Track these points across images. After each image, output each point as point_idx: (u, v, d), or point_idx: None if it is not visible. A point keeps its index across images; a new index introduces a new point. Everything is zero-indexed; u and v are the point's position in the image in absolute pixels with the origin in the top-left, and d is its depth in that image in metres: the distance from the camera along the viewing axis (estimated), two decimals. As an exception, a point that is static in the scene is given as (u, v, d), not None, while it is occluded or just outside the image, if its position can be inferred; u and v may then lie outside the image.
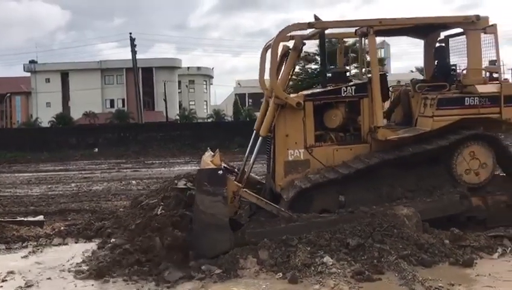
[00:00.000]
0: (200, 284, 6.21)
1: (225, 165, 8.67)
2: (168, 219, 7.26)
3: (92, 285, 6.35)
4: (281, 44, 8.10)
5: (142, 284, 6.27)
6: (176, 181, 8.63)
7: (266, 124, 7.86)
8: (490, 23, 8.03)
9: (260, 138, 7.90)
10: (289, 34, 8.05)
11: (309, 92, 8.53)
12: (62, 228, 9.18)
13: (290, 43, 8.17)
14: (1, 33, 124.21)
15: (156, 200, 8.21)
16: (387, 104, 9.21)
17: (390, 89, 9.34)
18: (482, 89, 7.94)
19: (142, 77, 60.65)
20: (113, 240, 7.81)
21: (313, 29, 8.07)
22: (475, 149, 7.84)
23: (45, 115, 57.24)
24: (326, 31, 8.50)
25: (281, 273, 6.33)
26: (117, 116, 51.58)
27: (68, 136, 35.41)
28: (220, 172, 7.27)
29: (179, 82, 69.12)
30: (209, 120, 49.53)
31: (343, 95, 8.10)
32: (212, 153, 8.82)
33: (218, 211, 7.06)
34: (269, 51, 8.09)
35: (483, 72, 8.22)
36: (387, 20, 7.98)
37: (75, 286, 6.35)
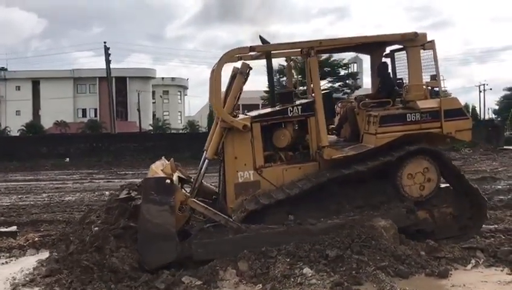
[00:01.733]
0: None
1: (181, 175, 8.72)
2: (107, 233, 7.11)
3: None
4: (230, 65, 8.17)
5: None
6: (117, 192, 8.53)
7: (213, 147, 7.93)
8: (428, 40, 8.21)
9: (206, 160, 7.97)
10: (237, 56, 8.18)
11: (256, 113, 8.57)
12: (36, 239, 9.03)
13: (239, 64, 8.18)
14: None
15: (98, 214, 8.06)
16: (337, 120, 9.41)
17: (339, 105, 9.53)
18: (422, 104, 8.09)
19: (116, 86, 60.32)
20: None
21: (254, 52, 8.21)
22: (419, 164, 7.96)
23: (14, 124, 56.12)
24: (274, 51, 8.51)
25: (260, 285, 6.38)
26: (89, 126, 50.96)
27: (38, 145, 34.72)
28: (168, 181, 7.23)
29: (153, 92, 68.91)
30: (183, 131, 49.35)
31: (290, 115, 8.17)
32: (166, 162, 8.71)
33: (165, 220, 7.04)
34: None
35: (424, 87, 8.37)
36: (327, 40, 8.20)
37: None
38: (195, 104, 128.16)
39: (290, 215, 7.59)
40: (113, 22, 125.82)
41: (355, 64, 45.68)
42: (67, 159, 31.73)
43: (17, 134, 49.53)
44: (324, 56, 34.47)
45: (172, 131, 50.81)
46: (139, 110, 53.15)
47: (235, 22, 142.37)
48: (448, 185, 8.49)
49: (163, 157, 9.16)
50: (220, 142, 7.90)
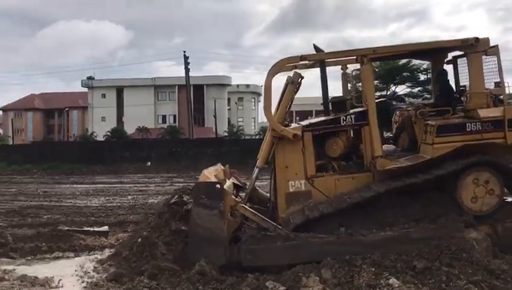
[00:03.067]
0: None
1: (236, 182, 8.86)
2: (153, 239, 7.40)
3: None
4: (284, 75, 8.11)
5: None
6: (170, 197, 8.70)
7: (263, 156, 7.90)
8: (491, 45, 7.77)
9: (257, 169, 7.96)
10: (290, 65, 8.06)
11: (307, 122, 8.43)
12: (125, 238, 9.46)
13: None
14: (66, 51, 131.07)
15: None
16: (395, 128, 9.07)
17: (397, 113, 9.17)
18: (484, 113, 7.65)
19: (194, 93, 62.26)
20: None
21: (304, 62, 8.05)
22: (479, 176, 7.52)
23: (100, 129, 59.62)
24: (328, 59, 8.33)
25: None
26: (169, 131, 53.11)
27: (122, 150, 36.79)
28: (218, 186, 7.34)
29: (229, 99, 70.43)
30: (256, 137, 50.15)
31: (343, 124, 7.99)
32: (221, 168, 8.81)
33: (214, 225, 7.13)
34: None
35: (487, 95, 7.89)
36: (381, 48, 7.89)
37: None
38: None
39: (341, 227, 7.40)
40: (192, 32, 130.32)
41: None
42: (149, 163, 33.41)
43: (103, 139, 52.68)
44: (403, 61, 33.86)
45: (246, 137, 51.71)
46: (215, 116, 54.64)
47: (310, 29, 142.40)
48: None
49: (219, 164, 9.20)
50: (270, 151, 7.89)
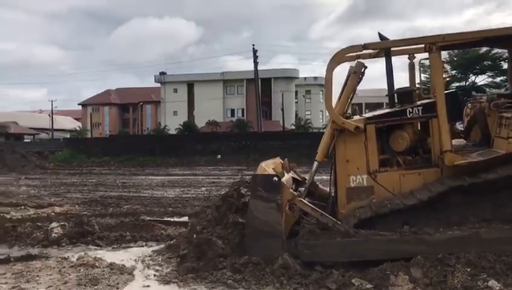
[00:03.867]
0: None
1: (296, 176, 8.69)
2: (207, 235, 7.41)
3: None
4: (348, 64, 7.76)
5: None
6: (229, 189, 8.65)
7: (323, 150, 7.64)
8: None
9: (316, 163, 7.71)
10: (353, 54, 7.72)
11: (371, 114, 8.04)
12: (184, 231, 9.59)
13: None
14: (140, 48, 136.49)
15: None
16: (466, 121, 8.51)
17: (468, 105, 8.65)
18: None
19: (261, 87, 62.85)
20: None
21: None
22: None
23: (172, 123, 61.65)
24: (394, 48, 7.86)
25: None
26: (237, 125, 54.02)
27: (193, 143, 37.96)
28: (275, 179, 7.20)
29: (296, 92, 70.45)
30: (325, 130, 49.89)
31: (409, 117, 7.56)
32: (280, 161, 8.67)
33: (272, 218, 7.01)
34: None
35: None
36: (451, 35, 7.33)
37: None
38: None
39: (406, 225, 7.02)
40: (260, 26, 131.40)
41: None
42: (219, 156, 34.28)
43: (175, 132, 54.45)
44: (484, 49, 32.08)
45: (314, 130, 51.61)
46: (282, 109, 54.86)
47: (381, 18, 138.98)
48: None
49: (278, 157, 9.03)
50: (330, 144, 7.59)
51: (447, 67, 36.85)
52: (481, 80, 36.90)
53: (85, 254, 7.97)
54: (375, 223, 7.12)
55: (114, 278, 6.81)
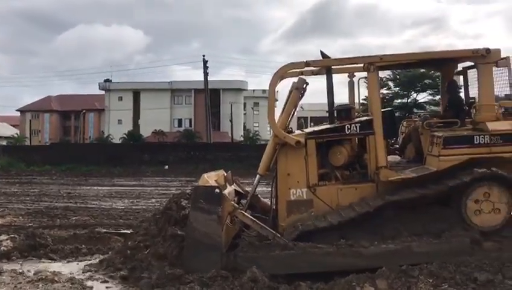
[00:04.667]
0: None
1: (238, 189, 8.73)
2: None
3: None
4: (291, 80, 7.95)
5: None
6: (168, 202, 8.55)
7: (265, 163, 7.76)
8: (503, 56, 7.54)
9: (258, 176, 7.83)
10: (296, 70, 7.95)
11: (311, 129, 8.32)
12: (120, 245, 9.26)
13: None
14: (84, 54, 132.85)
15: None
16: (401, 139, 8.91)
17: (403, 124, 9.07)
18: (493, 126, 7.41)
19: (210, 97, 62.56)
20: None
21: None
22: (487, 191, 7.29)
23: (116, 132, 60.00)
24: (335, 66, 8.14)
25: None
26: (185, 135, 53.29)
27: (139, 152, 36.91)
28: (217, 191, 7.19)
29: (244, 104, 70.56)
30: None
31: (347, 133, 7.81)
32: (223, 173, 8.73)
33: (212, 230, 6.97)
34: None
35: (497, 107, 7.65)
36: (389, 56, 7.68)
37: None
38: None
39: (342, 239, 7.20)
40: (209, 37, 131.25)
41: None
42: (166, 166, 33.44)
43: (119, 142, 52.91)
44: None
45: (262, 142, 51.73)
46: (231, 121, 54.71)
47: (327, 35, 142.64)
48: None
49: (221, 170, 9.09)
50: (272, 158, 7.73)
51: (390, 84, 38.06)
52: (422, 97, 38.43)
53: (44, 268, 7.48)
54: (314, 237, 7.24)
55: None
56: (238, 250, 7.18)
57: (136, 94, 69.35)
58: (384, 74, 27.21)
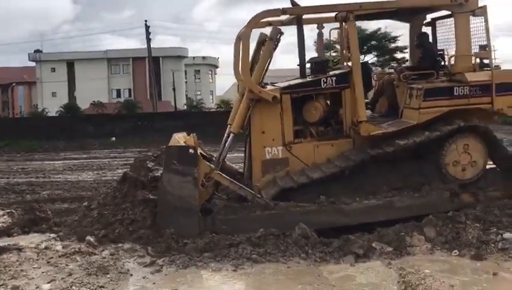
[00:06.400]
0: (386, 261, 6.05)
1: (203, 152, 8.25)
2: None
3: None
4: (258, 31, 7.63)
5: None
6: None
7: (239, 121, 7.31)
8: (480, 5, 7.44)
9: (231, 134, 7.39)
10: (264, 20, 7.54)
11: (286, 84, 7.90)
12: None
13: (268, 30, 7.57)
14: (7, 26, 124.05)
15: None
16: (371, 94, 8.73)
17: (374, 77, 8.85)
18: (472, 77, 7.34)
19: (149, 66, 60.74)
20: None
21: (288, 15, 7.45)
22: (466, 142, 7.29)
23: (51, 105, 56.90)
24: (304, 17, 7.78)
25: (456, 251, 6.18)
26: (125, 106, 51.45)
27: (82, 125, 35.27)
28: (191, 151, 6.75)
29: (185, 72, 69.05)
30: (218, 110, 49.59)
31: (323, 87, 7.52)
32: (192, 135, 8.22)
33: (187, 193, 6.60)
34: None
35: (473, 58, 7.56)
36: (367, 3, 7.36)
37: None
38: (223, 83, 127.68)
39: (322, 195, 7.04)
40: (140, 5, 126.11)
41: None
42: (113, 138, 32.20)
43: (56, 115, 50.35)
44: (372, 29, 34.24)
45: (205, 110, 51.11)
46: (174, 89, 53.40)
47: (263, 2, 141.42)
48: (495, 166, 7.77)
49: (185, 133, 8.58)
50: (246, 115, 7.30)
51: (337, 46, 38.40)
52: (369, 58, 39.01)
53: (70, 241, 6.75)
54: (292, 195, 7.02)
55: (120, 264, 5.99)
56: (216, 213, 6.83)
57: (70, 65, 65.92)
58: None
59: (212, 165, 7.14)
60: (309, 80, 7.76)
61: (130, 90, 64.48)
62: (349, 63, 7.74)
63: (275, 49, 7.41)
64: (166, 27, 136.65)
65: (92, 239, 6.60)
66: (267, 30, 7.60)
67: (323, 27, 8.92)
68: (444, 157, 7.30)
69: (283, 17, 7.67)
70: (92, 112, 51.08)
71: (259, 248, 6.26)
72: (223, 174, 7.22)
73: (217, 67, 75.91)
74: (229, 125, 8.11)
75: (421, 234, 6.44)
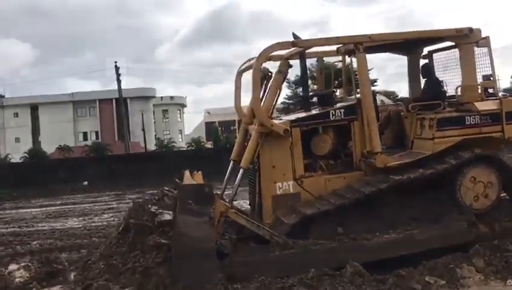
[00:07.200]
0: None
1: None
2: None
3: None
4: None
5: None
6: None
7: (248, 155, 7.05)
8: (483, 36, 7.60)
9: (241, 170, 7.10)
10: (272, 54, 7.40)
11: (293, 117, 7.80)
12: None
13: (267, 65, 7.48)
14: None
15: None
16: None
17: None
18: (481, 106, 7.38)
19: (117, 107, 59.92)
20: None
21: (295, 48, 7.43)
22: (480, 172, 7.24)
23: (15, 151, 55.23)
24: (307, 51, 7.82)
25: (510, 280, 6.17)
26: (94, 148, 50.40)
27: (51, 171, 34.06)
28: (207, 189, 6.44)
29: (153, 112, 68.60)
30: (189, 148, 49.09)
31: (332, 119, 7.42)
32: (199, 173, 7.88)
33: (204, 234, 6.20)
34: (244, 75, 7.80)
35: (479, 88, 7.65)
36: (376, 35, 7.40)
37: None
38: (191, 122, 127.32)
39: (339, 227, 6.84)
40: (101, 47, 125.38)
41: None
42: (86, 182, 31.16)
43: (21, 161, 48.70)
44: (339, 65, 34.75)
45: (175, 149, 50.48)
46: (143, 130, 52.68)
47: (223, 42, 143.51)
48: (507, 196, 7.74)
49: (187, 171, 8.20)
50: (256, 150, 7.08)
51: (309, 82, 38.95)
52: (340, 93, 39.65)
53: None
54: (308, 228, 6.79)
55: None
56: (234, 255, 6.48)
57: (34, 109, 64.55)
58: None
59: (227, 204, 6.81)
60: (318, 112, 7.68)
61: (97, 132, 63.41)
62: (358, 95, 7.66)
63: (283, 82, 7.34)
64: (129, 68, 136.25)
65: None
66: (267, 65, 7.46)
67: (324, 61, 9.09)
68: (459, 187, 7.22)
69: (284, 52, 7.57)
70: (58, 156, 49.67)
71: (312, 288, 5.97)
72: (239, 213, 6.94)
73: (185, 106, 75.69)
74: (232, 161, 7.94)
75: (469, 265, 6.38)
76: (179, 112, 74.43)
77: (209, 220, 6.25)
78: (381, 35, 7.54)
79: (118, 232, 7.25)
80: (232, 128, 79.39)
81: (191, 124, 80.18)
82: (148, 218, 6.89)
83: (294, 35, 7.49)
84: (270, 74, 7.39)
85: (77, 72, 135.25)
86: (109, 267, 6.63)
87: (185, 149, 47.85)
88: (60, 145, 53.05)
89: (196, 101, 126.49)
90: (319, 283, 6.04)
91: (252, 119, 7.91)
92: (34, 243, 11.27)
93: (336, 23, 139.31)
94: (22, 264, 7.94)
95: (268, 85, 7.39)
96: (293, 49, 7.29)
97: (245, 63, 8.23)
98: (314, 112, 7.81)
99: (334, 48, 8.44)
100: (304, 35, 7.65)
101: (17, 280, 7.30)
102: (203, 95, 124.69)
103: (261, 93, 7.39)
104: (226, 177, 8.01)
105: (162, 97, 70.57)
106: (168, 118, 72.02)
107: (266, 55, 7.03)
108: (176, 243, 6.21)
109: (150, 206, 7.14)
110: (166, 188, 7.73)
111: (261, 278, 6.09)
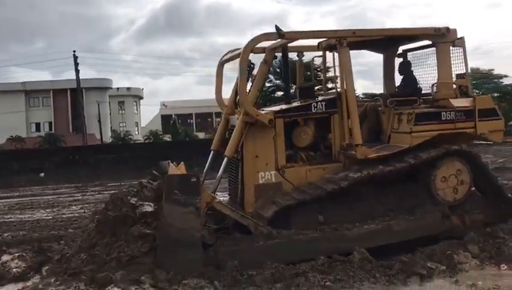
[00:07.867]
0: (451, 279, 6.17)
1: None
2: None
3: None
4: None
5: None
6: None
7: (233, 144, 7.16)
8: (458, 36, 7.91)
9: (226, 159, 7.22)
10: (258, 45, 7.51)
11: (277, 108, 7.92)
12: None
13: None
14: None
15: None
16: None
17: None
18: (456, 103, 7.74)
19: (71, 98, 58.32)
20: None
21: (280, 40, 7.48)
22: (453, 165, 7.59)
23: (-37, 142, 52.95)
24: (289, 44, 7.90)
25: (504, 265, 6.50)
26: (47, 140, 49.12)
27: (4, 161, 32.94)
28: (194, 179, 6.45)
29: (109, 103, 67.11)
30: (145, 141, 48.61)
31: (314, 111, 7.61)
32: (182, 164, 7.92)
33: (190, 224, 6.24)
34: (226, 66, 7.95)
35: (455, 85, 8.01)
36: (361, 31, 7.59)
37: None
38: (147, 114, 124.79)
39: (320, 215, 6.99)
40: (52, 36, 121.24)
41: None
42: (42, 174, 30.31)
43: (-31, 152, 46.71)
44: (307, 59, 35.33)
45: (131, 142, 49.79)
46: (99, 121, 51.54)
47: (178, 34, 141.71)
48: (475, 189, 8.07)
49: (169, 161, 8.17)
50: (240, 139, 7.18)
51: (271, 77, 39.28)
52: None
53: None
54: (290, 216, 6.94)
55: None
56: (219, 245, 6.56)
57: (-17, 99, 61.86)
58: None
59: (212, 194, 6.87)
60: (301, 104, 7.84)
61: (50, 123, 61.47)
62: (338, 89, 7.87)
63: (268, 72, 7.52)
64: (82, 57, 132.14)
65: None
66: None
67: (304, 55, 9.16)
68: (433, 179, 7.51)
69: (268, 43, 7.65)
70: (10, 147, 48.04)
71: (328, 275, 6.10)
72: (223, 203, 7.04)
73: (141, 98, 74.42)
74: (212, 151, 8.10)
75: (465, 251, 6.73)
76: (135, 104, 73.10)
77: (196, 210, 6.28)
78: (364, 31, 7.76)
79: (95, 225, 7.11)
80: (188, 121, 78.62)
81: (146, 117, 78.95)
82: (129, 210, 6.83)
83: (277, 28, 7.53)
84: (252, 65, 7.51)
85: (28, 62, 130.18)
86: (92, 258, 6.52)
87: (137, 141, 47.15)
88: (12, 136, 51.34)
89: (151, 94, 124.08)
90: (331, 269, 6.23)
91: (234, 110, 8.09)
92: (6, 234, 10.97)
93: (292, 20, 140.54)
94: (16, 254, 7.61)
95: (251, 76, 7.52)
96: (278, 40, 7.38)
97: (227, 54, 8.33)
98: (295, 104, 7.97)
99: (315, 42, 8.62)
100: (259, 31, 7.77)
101: (14, 270, 7.08)
102: (159, 87, 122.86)
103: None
104: (206, 167, 8.11)
105: (118, 88, 69.11)
106: (124, 110, 70.55)
107: (253, 45, 7.11)
108: (162, 233, 6.24)
109: (129, 198, 7.07)
110: (145, 180, 7.65)
111: (274, 265, 6.21)
